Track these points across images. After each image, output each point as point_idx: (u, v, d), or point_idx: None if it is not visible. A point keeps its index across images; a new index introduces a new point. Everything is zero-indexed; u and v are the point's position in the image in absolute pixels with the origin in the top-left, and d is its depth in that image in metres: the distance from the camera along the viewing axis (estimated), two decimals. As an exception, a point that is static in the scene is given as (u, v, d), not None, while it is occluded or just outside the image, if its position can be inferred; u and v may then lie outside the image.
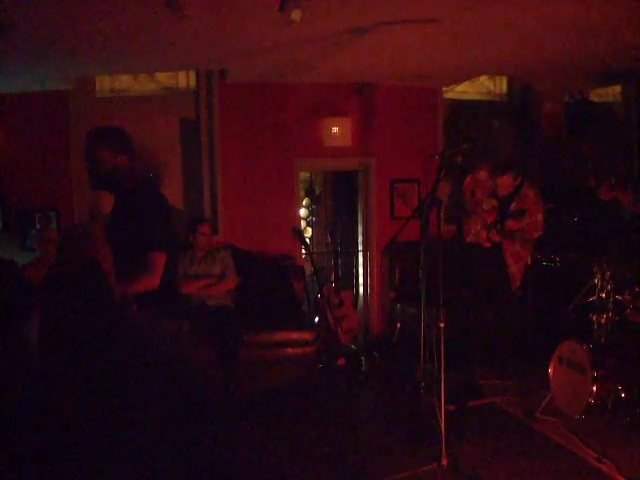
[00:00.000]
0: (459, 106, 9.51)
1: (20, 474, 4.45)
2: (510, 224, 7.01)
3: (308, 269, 8.77)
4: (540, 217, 7.04)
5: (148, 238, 4.36)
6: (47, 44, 6.32)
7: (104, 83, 8.33)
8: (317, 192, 10.52)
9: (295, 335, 7.47)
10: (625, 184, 5.64)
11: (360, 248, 9.66)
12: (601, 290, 6.08)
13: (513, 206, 7.03)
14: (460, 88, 9.50)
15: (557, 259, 7.75)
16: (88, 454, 4.61)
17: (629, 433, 5.61)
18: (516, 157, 7.41)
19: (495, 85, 9.74)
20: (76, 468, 4.19)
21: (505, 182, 7.11)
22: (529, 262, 7.16)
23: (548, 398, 6.21)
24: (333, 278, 8.68)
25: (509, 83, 9.69)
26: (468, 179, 7.34)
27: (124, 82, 8.41)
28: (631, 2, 5.61)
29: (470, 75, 9.04)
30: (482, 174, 7.26)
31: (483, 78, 9.51)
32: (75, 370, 4.93)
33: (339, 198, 10.29)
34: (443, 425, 5.23)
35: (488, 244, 7.11)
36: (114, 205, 4.82)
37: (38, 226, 7.96)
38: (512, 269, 7.12)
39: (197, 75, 8.45)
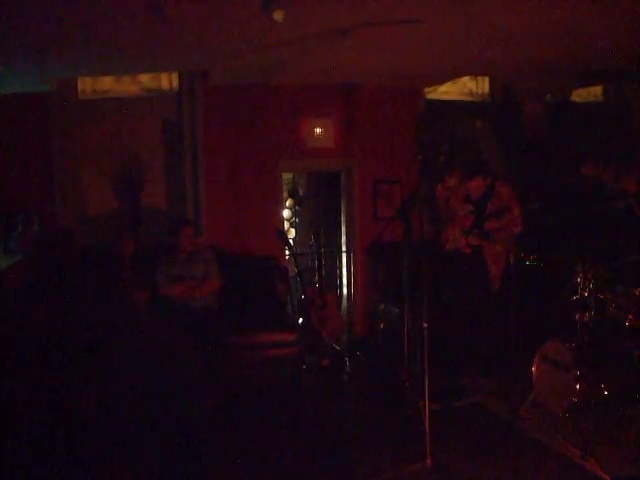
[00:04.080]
0: (442, 106, 9.53)
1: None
2: (489, 225, 7.05)
3: (292, 270, 8.76)
4: (517, 212, 7.10)
5: None
6: (29, 46, 6.30)
7: (86, 85, 8.31)
8: (300, 193, 10.52)
9: (279, 336, 7.47)
10: (608, 162, 5.68)
11: (344, 249, 9.67)
12: (583, 289, 6.11)
13: (490, 206, 7.07)
14: (442, 89, 9.52)
15: (540, 258, 7.77)
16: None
17: (612, 431, 5.64)
18: (483, 159, 7.46)
19: (477, 86, 9.77)
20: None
21: (476, 185, 7.14)
22: (512, 261, 7.18)
23: (532, 397, 6.24)
24: (317, 279, 8.68)
25: (491, 84, 9.72)
26: (440, 188, 7.36)
27: (106, 84, 8.39)
28: (610, 5, 5.66)
29: (452, 76, 9.07)
30: (452, 181, 7.29)
31: (465, 79, 9.54)
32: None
33: (322, 199, 10.29)
34: (427, 425, 5.25)
35: (468, 249, 7.13)
36: None
37: (20, 228, 7.93)
38: (492, 271, 7.15)
39: (180, 77, 8.44)
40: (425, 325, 5.37)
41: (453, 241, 7.20)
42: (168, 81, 8.59)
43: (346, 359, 8.51)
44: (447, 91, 9.61)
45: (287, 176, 9.96)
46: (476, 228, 7.05)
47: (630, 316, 5.89)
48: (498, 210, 7.03)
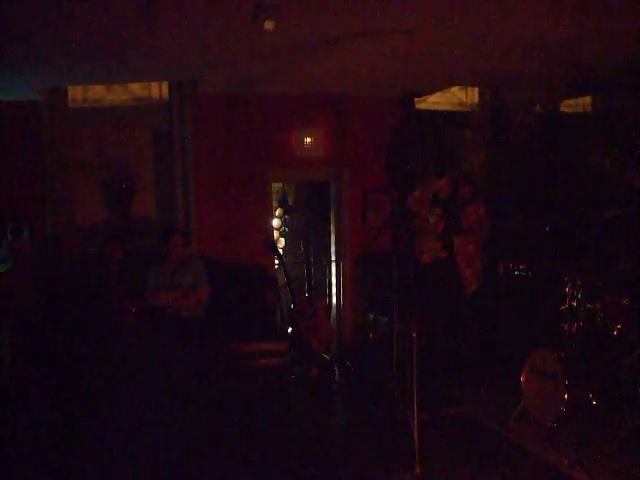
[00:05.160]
0: (431, 116, 9.55)
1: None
2: (466, 220, 7.14)
3: (281, 279, 8.76)
4: (482, 211, 7.19)
5: None
6: (19, 55, 6.30)
7: (76, 93, 8.30)
8: (290, 202, 10.53)
9: (268, 346, 7.46)
10: (613, 152, 5.79)
11: (333, 258, 9.67)
12: (572, 299, 6.14)
13: (456, 204, 7.16)
14: (432, 99, 9.54)
15: (528, 268, 7.80)
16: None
17: (600, 440, 5.66)
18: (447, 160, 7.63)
19: (467, 96, 9.79)
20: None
21: (445, 183, 7.23)
22: (501, 270, 7.21)
23: (521, 406, 6.25)
24: (306, 288, 8.68)
25: (481, 94, 9.74)
26: (408, 202, 7.43)
27: (97, 92, 8.37)
28: (598, 18, 5.70)
29: (442, 86, 9.09)
30: (417, 193, 7.37)
31: (455, 89, 9.56)
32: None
33: (312, 208, 10.30)
34: (416, 434, 5.25)
35: (445, 253, 7.18)
36: None
37: (10, 237, 7.91)
38: (466, 273, 7.21)
39: (170, 86, 8.43)
40: (414, 335, 5.38)
41: (429, 252, 7.24)
42: (158, 90, 8.58)
43: (335, 368, 8.51)
44: (437, 101, 9.63)
45: (277, 185, 9.97)
46: (449, 227, 7.12)
47: (618, 326, 5.92)
48: (463, 207, 7.13)
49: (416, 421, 5.29)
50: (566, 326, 6.16)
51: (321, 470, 5.58)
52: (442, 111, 9.69)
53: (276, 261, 8.93)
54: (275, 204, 10.01)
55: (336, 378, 8.30)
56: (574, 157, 8.88)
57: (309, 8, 5.23)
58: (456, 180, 7.26)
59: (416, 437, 5.25)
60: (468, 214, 7.20)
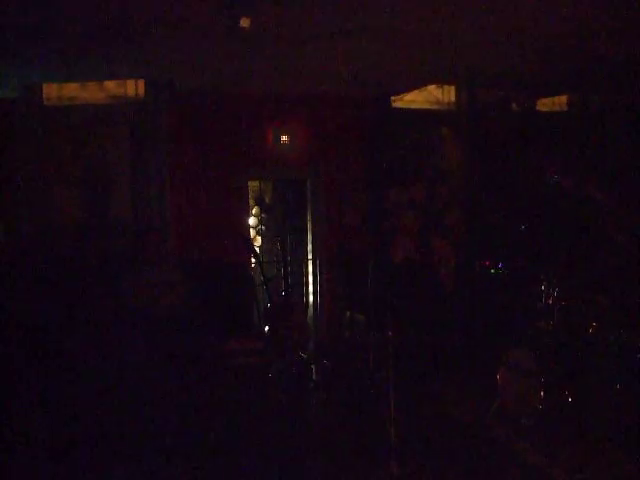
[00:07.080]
0: (407, 114, 9.55)
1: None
2: (440, 221, 7.16)
3: (258, 278, 8.75)
4: (456, 210, 7.22)
5: None
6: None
7: (51, 91, 8.23)
8: (267, 201, 10.51)
9: (245, 344, 7.45)
10: (569, 170, 5.85)
11: (310, 256, 9.67)
12: (548, 297, 6.16)
13: (432, 206, 7.19)
14: (409, 97, 9.54)
15: (506, 267, 7.84)
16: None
17: (577, 436, 5.69)
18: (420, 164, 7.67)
19: (443, 94, 9.80)
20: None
21: (418, 188, 7.25)
22: (478, 269, 7.24)
23: (497, 404, 6.27)
24: (283, 287, 8.67)
25: (457, 92, 9.75)
26: (386, 201, 7.46)
27: (72, 90, 8.31)
28: (576, 15, 5.73)
29: (419, 84, 9.10)
30: (393, 193, 7.38)
31: (431, 87, 9.57)
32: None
33: (289, 207, 10.29)
34: (393, 432, 5.25)
35: (417, 254, 7.21)
36: None
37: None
38: (441, 272, 7.25)
39: (146, 84, 8.38)
40: (390, 334, 5.39)
41: (402, 251, 7.26)
42: (134, 88, 8.54)
43: (312, 366, 8.50)
44: (413, 99, 9.63)
45: (253, 184, 9.95)
46: (425, 230, 7.14)
47: (594, 324, 5.95)
48: (440, 209, 7.16)
49: (392, 419, 5.29)
50: (542, 324, 6.19)
51: (297, 467, 5.57)
52: (418, 109, 9.70)
53: (253, 259, 8.91)
54: (252, 203, 10.00)
55: (313, 376, 8.29)
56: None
57: (285, 6, 5.22)
58: (432, 182, 7.28)
59: (393, 434, 5.26)
60: (442, 215, 7.23)
